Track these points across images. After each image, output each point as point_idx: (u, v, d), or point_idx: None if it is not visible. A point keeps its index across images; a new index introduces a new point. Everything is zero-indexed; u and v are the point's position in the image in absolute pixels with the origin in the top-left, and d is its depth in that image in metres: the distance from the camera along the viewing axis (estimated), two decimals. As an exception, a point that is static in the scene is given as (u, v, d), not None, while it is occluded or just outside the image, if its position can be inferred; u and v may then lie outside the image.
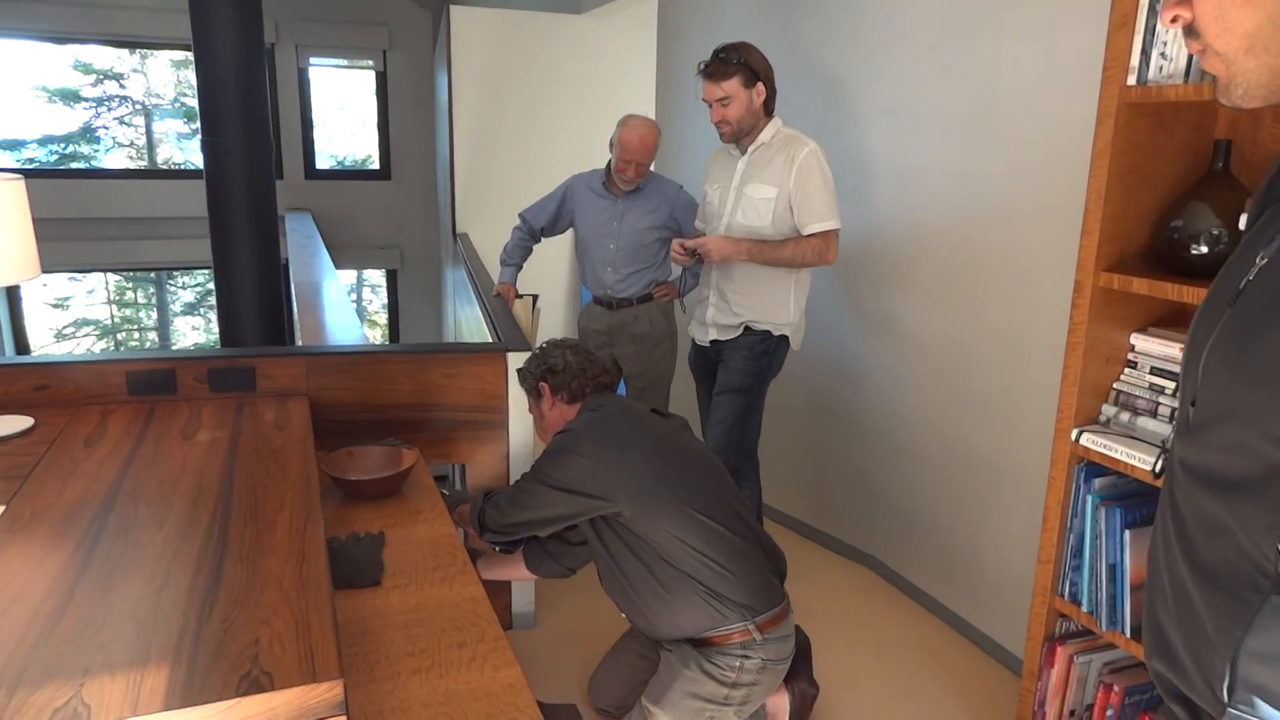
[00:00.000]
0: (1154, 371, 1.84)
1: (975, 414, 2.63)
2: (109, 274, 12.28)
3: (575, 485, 1.97)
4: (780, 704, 2.17)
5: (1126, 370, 1.90)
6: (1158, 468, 1.74)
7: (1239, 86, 0.80)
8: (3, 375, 2.23)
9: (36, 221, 7.31)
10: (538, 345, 2.31)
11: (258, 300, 4.57)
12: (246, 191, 4.50)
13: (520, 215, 3.38)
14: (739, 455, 2.81)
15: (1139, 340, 1.88)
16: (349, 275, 12.91)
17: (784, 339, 2.81)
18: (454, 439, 2.51)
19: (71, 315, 12.54)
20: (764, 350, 2.78)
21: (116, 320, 13.04)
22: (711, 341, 2.87)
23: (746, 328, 2.79)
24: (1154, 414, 1.82)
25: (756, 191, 2.71)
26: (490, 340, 3.12)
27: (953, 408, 2.72)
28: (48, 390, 2.25)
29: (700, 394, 3.04)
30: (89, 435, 2.04)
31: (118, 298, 13.16)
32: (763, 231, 2.70)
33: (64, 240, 8.40)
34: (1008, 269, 2.48)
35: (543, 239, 3.44)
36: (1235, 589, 0.83)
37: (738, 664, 1.96)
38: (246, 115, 4.44)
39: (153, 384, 2.29)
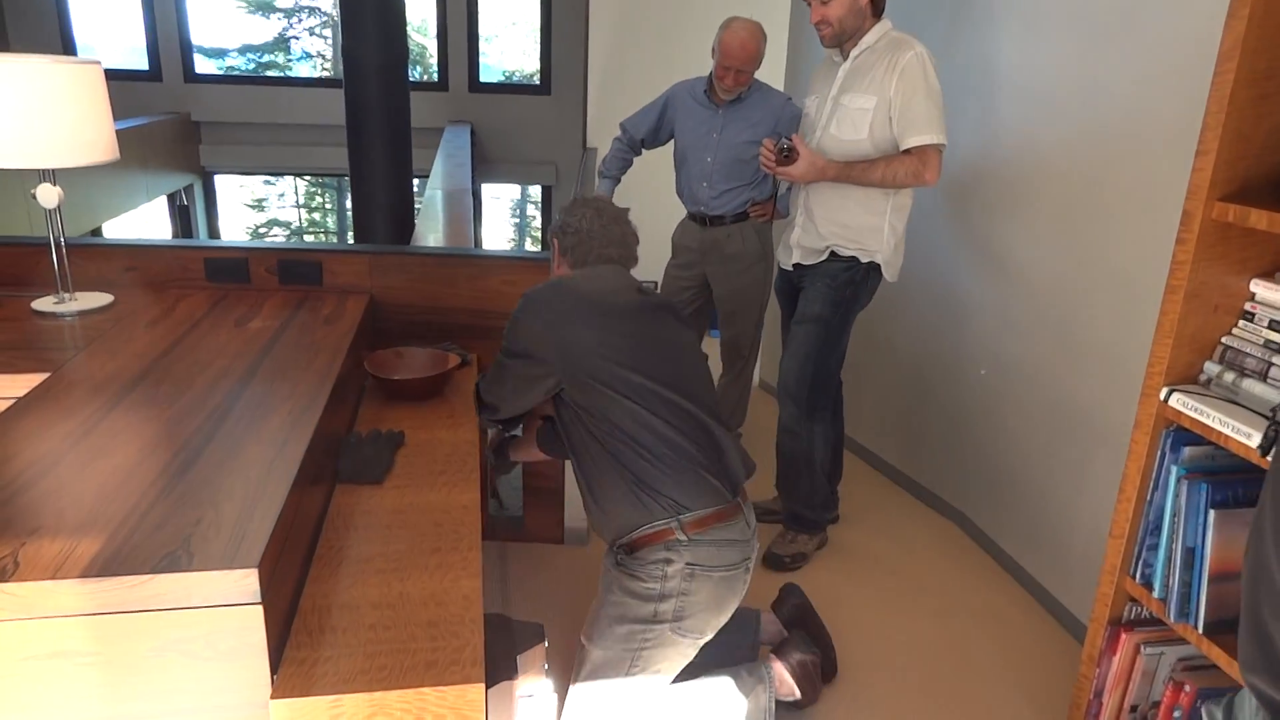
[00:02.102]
0: (1274, 326, 1.52)
1: (1079, 366, 2.32)
2: (298, 179, 13.13)
3: (525, 349, 1.89)
4: (780, 673, 2.02)
5: (1240, 323, 1.59)
6: (1266, 443, 1.44)
7: None
8: (98, 254, 2.37)
9: (230, 125, 7.74)
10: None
11: (388, 204, 4.71)
12: (381, 99, 4.60)
13: (621, 125, 3.25)
14: (813, 390, 2.61)
15: (1261, 287, 1.56)
16: (513, 190, 13.19)
17: (874, 267, 2.56)
18: (511, 348, 2.47)
19: (266, 216, 13.55)
20: (849, 279, 2.55)
21: (304, 222, 13.99)
22: (794, 265, 2.66)
23: (832, 253, 2.56)
24: (1264, 377, 1.52)
25: (854, 101, 2.45)
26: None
27: (1057, 357, 2.41)
28: (135, 271, 2.38)
29: (784, 321, 2.84)
30: (155, 316, 2.14)
31: (306, 202, 14.08)
32: (860, 146, 2.45)
33: (255, 144, 8.99)
34: (1132, 201, 2.14)
35: (643, 151, 3.30)
36: None
37: (659, 571, 1.79)
38: (383, 23, 4.51)
39: (227, 271, 2.38)
